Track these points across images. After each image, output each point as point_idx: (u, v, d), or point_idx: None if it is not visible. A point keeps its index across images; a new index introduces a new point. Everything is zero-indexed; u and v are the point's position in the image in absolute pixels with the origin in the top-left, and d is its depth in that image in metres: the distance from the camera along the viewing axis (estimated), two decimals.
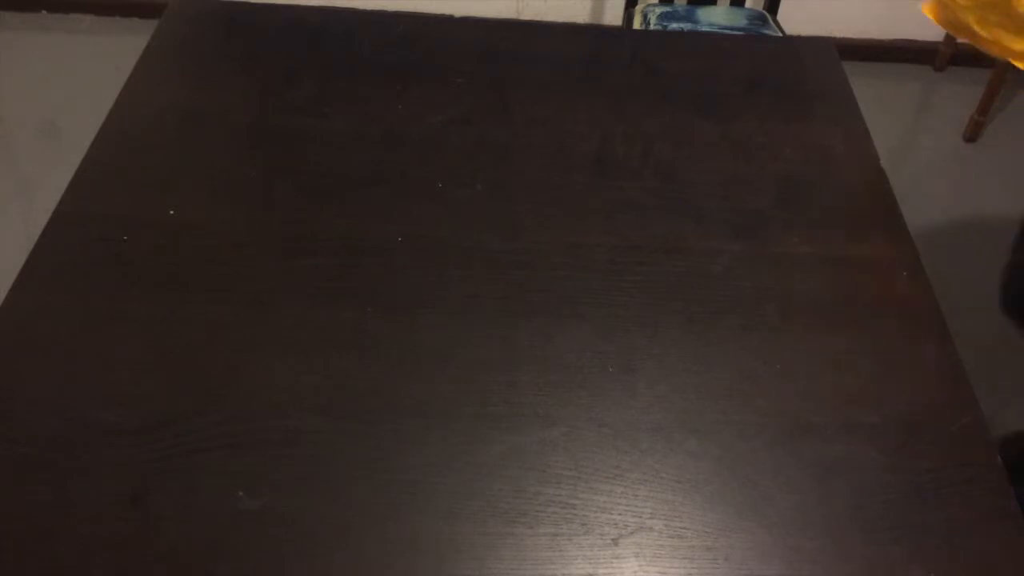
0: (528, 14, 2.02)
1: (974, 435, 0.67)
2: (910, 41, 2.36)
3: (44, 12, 2.42)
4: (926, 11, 0.87)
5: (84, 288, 0.72)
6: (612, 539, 0.59)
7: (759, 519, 0.61)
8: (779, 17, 1.55)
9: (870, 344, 0.73)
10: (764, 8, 1.54)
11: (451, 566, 0.57)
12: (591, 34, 1.07)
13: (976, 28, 0.80)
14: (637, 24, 1.51)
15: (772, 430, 0.66)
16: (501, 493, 0.61)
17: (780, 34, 1.50)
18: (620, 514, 0.60)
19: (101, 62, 2.14)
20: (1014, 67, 0.79)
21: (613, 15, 1.97)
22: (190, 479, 0.60)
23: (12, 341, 0.68)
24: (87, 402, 0.64)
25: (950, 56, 2.40)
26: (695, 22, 1.48)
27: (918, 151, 2.27)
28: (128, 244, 0.75)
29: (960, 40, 0.84)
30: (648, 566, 0.58)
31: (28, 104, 2.16)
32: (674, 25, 1.46)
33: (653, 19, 1.48)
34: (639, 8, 1.53)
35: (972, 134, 2.21)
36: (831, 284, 0.76)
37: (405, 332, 0.70)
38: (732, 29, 1.47)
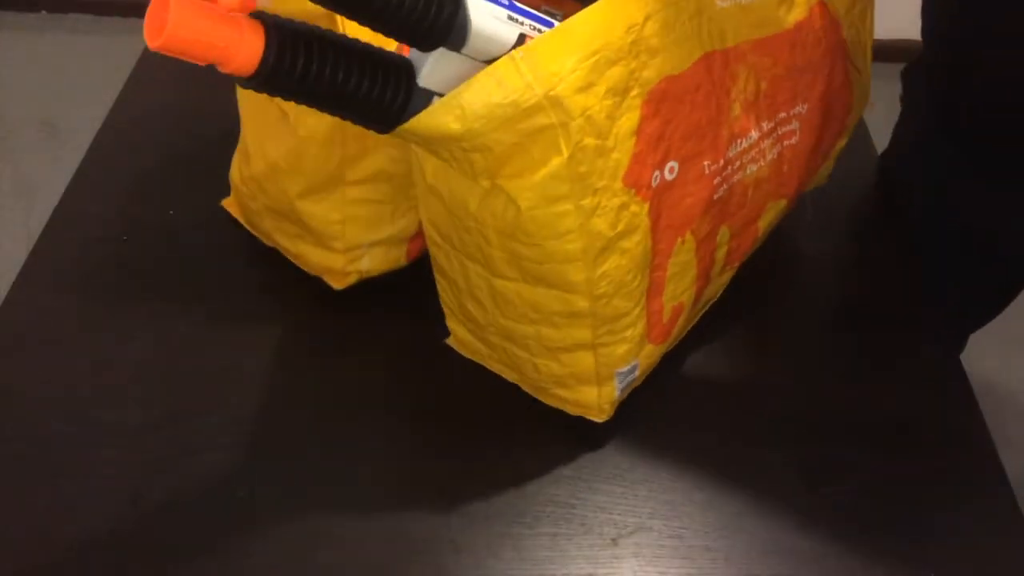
0: None
1: (974, 435, 0.67)
2: (910, 41, 2.36)
3: (44, 12, 2.42)
4: (226, 205, 0.75)
5: (84, 288, 0.72)
6: (612, 539, 0.59)
7: (759, 519, 0.61)
8: None
9: (870, 344, 0.73)
10: None
11: (451, 566, 0.57)
12: None
13: (277, 239, 0.71)
14: None
15: (772, 430, 0.66)
16: (500, 493, 0.61)
17: None
18: (620, 514, 0.60)
19: (101, 62, 2.14)
20: None
21: None
22: (190, 479, 0.60)
23: (12, 341, 0.68)
24: (87, 402, 0.64)
25: None
26: None
27: None
28: (128, 244, 0.75)
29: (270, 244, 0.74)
30: (648, 566, 0.58)
31: (28, 104, 2.16)
32: None
33: None
34: None
35: None
36: (831, 284, 0.76)
37: (407, 331, 0.70)
38: None
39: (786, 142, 0.65)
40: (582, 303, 0.55)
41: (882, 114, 0.79)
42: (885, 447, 0.65)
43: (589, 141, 0.49)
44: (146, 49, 0.94)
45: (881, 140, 0.90)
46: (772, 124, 0.63)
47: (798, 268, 0.77)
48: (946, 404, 0.69)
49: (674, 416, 0.66)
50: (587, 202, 0.51)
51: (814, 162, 0.71)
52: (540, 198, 0.51)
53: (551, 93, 0.47)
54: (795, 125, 0.65)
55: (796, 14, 0.62)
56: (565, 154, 0.49)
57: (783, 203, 0.69)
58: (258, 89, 0.44)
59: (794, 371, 0.70)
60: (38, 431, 0.62)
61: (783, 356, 0.71)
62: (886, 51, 2.05)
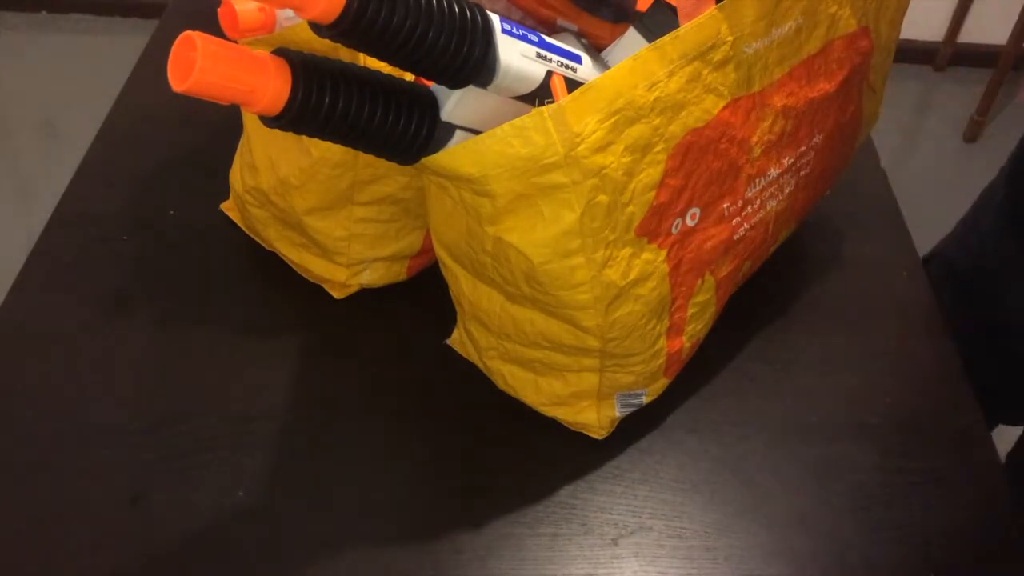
0: None
1: (974, 435, 0.67)
2: (910, 41, 2.36)
3: (44, 12, 2.42)
4: (225, 208, 0.76)
5: (84, 288, 0.72)
6: (612, 539, 0.59)
7: (759, 519, 0.61)
8: None
9: (870, 344, 0.73)
10: None
11: (451, 566, 0.57)
12: None
13: (279, 247, 0.72)
14: None
15: (772, 430, 0.66)
16: (500, 493, 0.61)
17: None
18: (620, 514, 0.60)
19: (101, 62, 2.14)
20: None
21: None
22: (190, 479, 0.60)
23: (12, 341, 0.68)
24: (87, 402, 0.64)
25: (950, 56, 2.40)
26: None
27: (918, 151, 2.27)
28: (128, 244, 0.75)
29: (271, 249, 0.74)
30: (648, 566, 0.58)
31: (28, 104, 2.16)
32: None
33: None
34: None
35: (972, 134, 2.21)
36: (831, 284, 0.76)
37: (407, 331, 0.70)
38: None
39: (802, 173, 0.65)
40: (593, 343, 0.56)
41: (882, 113, 0.79)
42: (885, 447, 0.66)
43: (602, 198, 0.49)
44: (146, 49, 0.94)
45: (880, 140, 0.90)
46: (793, 159, 0.63)
47: (797, 268, 0.77)
48: (946, 404, 0.69)
49: (674, 416, 0.66)
50: (599, 255, 0.51)
51: (823, 186, 0.72)
52: (553, 253, 0.51)
53: (571, 153, 0.47)
54: (810, 156, 0.65)
55: (814, 45, 0.61)
56: (577, 212, 0.49)
57: (792, 227, 0.71)
58: (283, 129, 0.44)
59: (794, 371, 0.70)
60: (38, 431, 0.62)
61: (782, 356, 0.71)
62: None
